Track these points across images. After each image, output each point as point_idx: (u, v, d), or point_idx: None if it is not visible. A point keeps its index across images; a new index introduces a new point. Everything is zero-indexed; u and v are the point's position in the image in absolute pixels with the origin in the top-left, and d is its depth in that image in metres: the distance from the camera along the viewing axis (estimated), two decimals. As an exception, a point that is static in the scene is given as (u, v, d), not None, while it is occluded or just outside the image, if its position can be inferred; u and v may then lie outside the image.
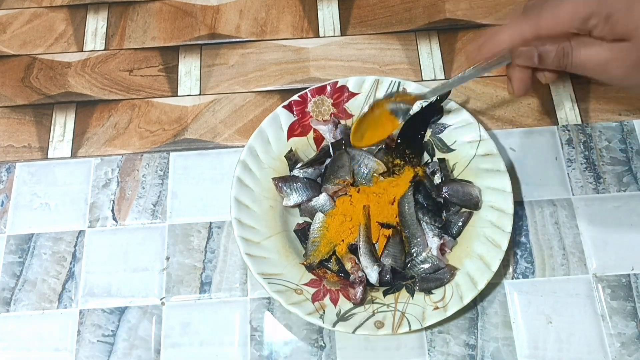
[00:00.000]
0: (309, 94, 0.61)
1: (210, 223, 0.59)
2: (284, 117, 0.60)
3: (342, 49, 0.68)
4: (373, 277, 0.53)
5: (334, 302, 0.52)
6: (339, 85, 0.61)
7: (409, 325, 0.51)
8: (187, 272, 0.57)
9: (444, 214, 0.57)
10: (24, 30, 0.70)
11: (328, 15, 0.70)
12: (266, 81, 0.66)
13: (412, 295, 0.53)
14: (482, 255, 0.53)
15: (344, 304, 0.52)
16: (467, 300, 0.51)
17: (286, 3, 0.71)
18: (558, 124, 0.63)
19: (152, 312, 0.55)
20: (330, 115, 0.61)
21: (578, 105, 0.64)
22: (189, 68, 0.67)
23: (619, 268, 0.56)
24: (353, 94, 0.61)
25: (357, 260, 0.54)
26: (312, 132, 0.60)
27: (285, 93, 0.65)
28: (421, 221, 0.55)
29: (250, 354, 0.53)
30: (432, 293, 0.53)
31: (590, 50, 0.46)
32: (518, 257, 0.57)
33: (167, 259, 0.57)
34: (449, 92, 0.59)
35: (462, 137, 0.59)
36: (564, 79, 0.65)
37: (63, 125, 0.64)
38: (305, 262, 0.55)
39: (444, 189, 0.56)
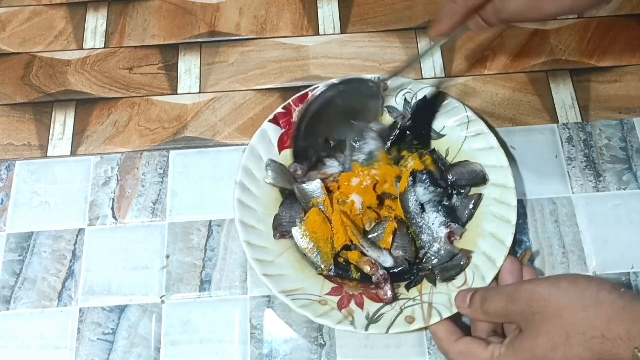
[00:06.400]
0: (292, 104, 0.60)
1: (210, 221, 0.59)
2: (271, 131, 0.59)
3: (342, 46, 0.68)
4: (388, 261, 0.53)
5: (360, 305, 0.52)
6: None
7: (440, 315, 0.50)
8: (187, 270, 0.57)
9: (453, 200, 0.57)
10: (23, 28, 0.70)
11: (328, 13, 0.70)
12: (266, 79, 0.66)
13: (435, 284, 0.53)
14: (493, 232, 0.54)
15: (371, 306, 0.52)
16: (489, 279, 0.51)
17: (286, 1, 0.71)
18: (558, 122, 0.63)
19: (152, 310, 0.55)
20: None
21: (578, 103, 0.64)
22: (188, 66, 0.67)
23: (618, 266, 0.56)
24: None
25: (372, 260, 0.54)
26: None
27: (285, 91, 0.65)
28: (426, 213, 0.55)
29: (250, 352, 0.53)
30: (454, 279, 0.53)
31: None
32: (518, 255, 0.57)
33: (167, 257, 0.57)
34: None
35: (449, 120, 0.59)
36: (564, 77, 0.65)
37: (63, 123, 0.64)
38: (323, 273, 0.54)
39: (449, 175, 0.57)
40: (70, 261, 0.57)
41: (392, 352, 0.53)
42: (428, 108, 0.60)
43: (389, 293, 0.52)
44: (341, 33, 0.69)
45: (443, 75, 0.66)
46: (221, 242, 0.58)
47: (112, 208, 0.60)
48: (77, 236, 0.58)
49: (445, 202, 0.56)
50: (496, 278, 0.52)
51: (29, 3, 0.71)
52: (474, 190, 0.57)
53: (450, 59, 0.67)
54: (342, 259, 0.55)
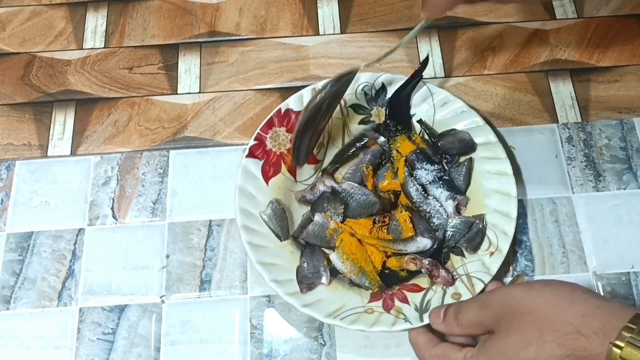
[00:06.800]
0: (261, 133, 0.59)
1: (210, 221, 0.59)
2: (252, 166, 0.58)
3: (342, 46, 0.68)
4: (427, 243, 0.54)
5: (405, 301, 0.52)
6: (283, 111, 0.60)
7: (482, 282, 0.51)
8: (187, 270, 0.57)
9: (447, 172, 0.58)
10: (23, 28, 0.70)
11: (328, 13, 0.70)
12: (266, 79, 0.66)
13: (463, 255, 0.54)
14: (496, 189, 0.55)
15: (415, 297, 0.52)
16: (511, 232, 0.53)
17: (286, 1, 0.71)
18: (558, 122, 0.63)
19: (152, 310, 0.55)
20: (290, 142, 0.59)
21: (578, 103, 0.64)
22: (188, 66, 0.67)
23: (618, 266, 0.56)
24: (299, 112, 0.59)
25: (412, 257, 0.54)
26: (283, 166, 0.59)
27: (284, 91, 0.65)
28: (431, 193, 0.56)
29: (250, 352, 0.53)
30: (481, 245, 0.54)
31: None
32: (518, 255, 0.57)
33: (167, 257, 0.57)
34: (427, 63, 0.60)
35: (412, 97, 0.60)
36: (564, 77, 0.65)
37: (63, 123, 0.64)
38: (375, 291, 0.53)
39: (441, 144, 0.58)
40: (70, 261, 0.57)
41: (392, 351, 0.53)
42: (403, 91, 0.60)
43: (446, 275, 0.52)
44: (341, 33, 0.69)
45: (443, 75, 0.66)
46: (221, 242, 0.58)
47: (112, 208, 0.60)
48: (77, 236, 0.58)
49: (445, 177, 0.57)
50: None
51: (29, 3, 0.71)
52: (463, 158, 0.58)
53: (450, 59, 0.67)
54: (386, 270, 0.55)
